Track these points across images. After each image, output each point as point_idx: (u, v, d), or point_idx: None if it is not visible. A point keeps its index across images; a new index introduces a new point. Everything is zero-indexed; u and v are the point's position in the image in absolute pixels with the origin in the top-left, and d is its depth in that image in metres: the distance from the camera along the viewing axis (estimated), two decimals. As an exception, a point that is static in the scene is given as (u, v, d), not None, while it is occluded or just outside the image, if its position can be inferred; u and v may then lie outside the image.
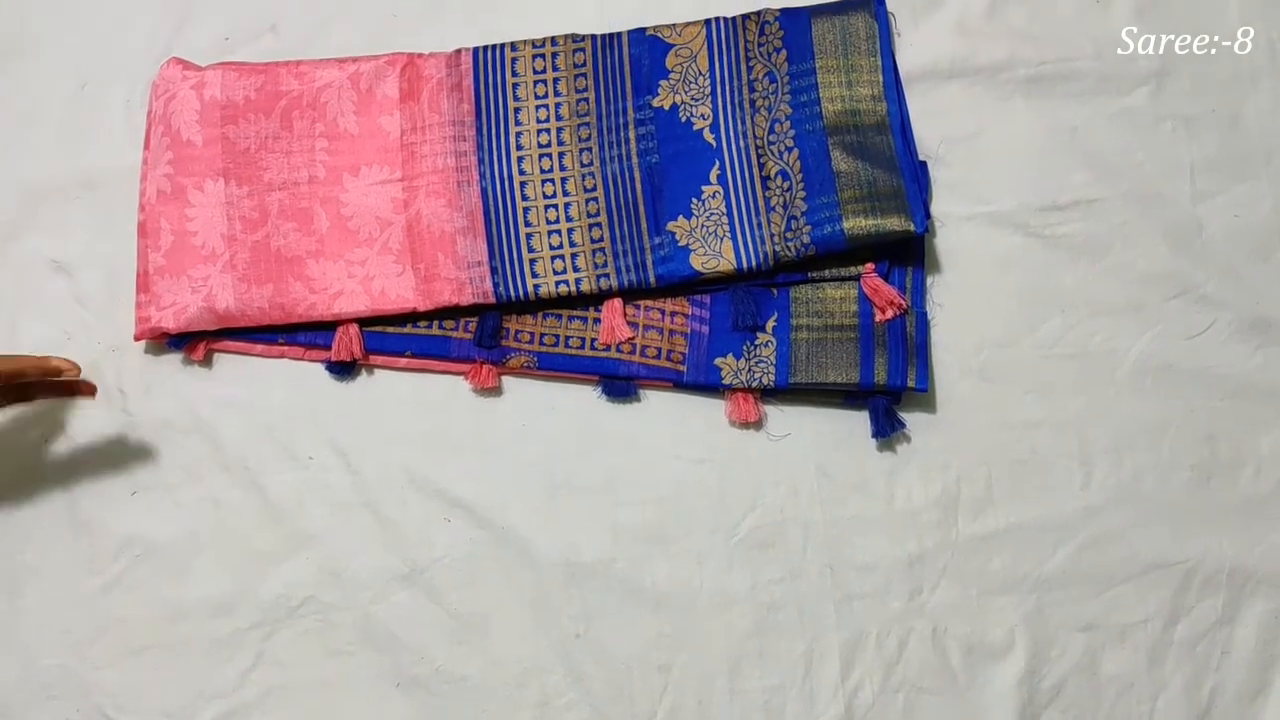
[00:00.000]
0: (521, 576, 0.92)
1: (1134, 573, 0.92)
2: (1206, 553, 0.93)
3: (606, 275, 0.93)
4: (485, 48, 0.97)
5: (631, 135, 0.95)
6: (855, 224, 0.89)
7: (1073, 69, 1.01)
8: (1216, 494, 0.94)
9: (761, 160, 0.93)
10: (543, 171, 0.95)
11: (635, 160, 0.95)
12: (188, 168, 0.94)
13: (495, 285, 0.92)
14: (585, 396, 0.95)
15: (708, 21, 0.97)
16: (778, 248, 0.91)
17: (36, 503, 0.93)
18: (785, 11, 0.96)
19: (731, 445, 0.94)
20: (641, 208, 0.94)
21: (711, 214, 0.93)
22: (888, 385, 0.90)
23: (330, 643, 0.91)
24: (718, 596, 0.92)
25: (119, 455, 0.93)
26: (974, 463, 0.94)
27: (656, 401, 0.95)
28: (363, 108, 0.96)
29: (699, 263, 0.92)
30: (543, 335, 0.94)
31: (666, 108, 0.95)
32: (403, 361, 0.94)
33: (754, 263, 0.92)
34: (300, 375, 0.95)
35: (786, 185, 0.92)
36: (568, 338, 0.94)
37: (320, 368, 0.95)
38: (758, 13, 0.97)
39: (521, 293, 0.92)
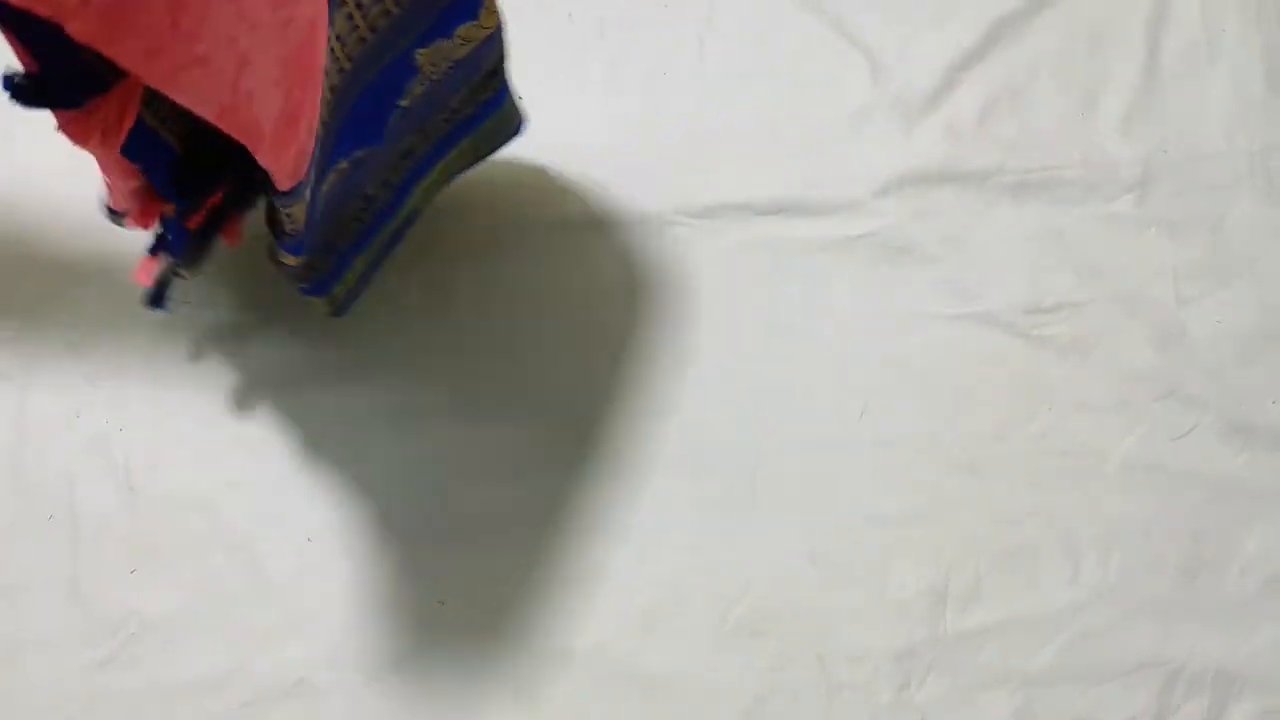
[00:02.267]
0: (512, 662, 0.93)
1: (1121, 671, 0.93)
2: (1193, 652, 0.93)
3: None
4: None
5: None
6: None
7: (1059, 176, 1.04)
8: (1203, 593, 0.95)
9: None
10: None
11: None
12: None
13: None
14: (580, 482, 0.97)
15: None
16: None
17: (35, 575, 0.93)
18: None
19: (722, 532, 0.95)
20: None
21: None
22: None
23: (321, 725, 0.91)
24: (706, 685, 0.92)
25: (121, 531, 0.94)
26: (963, 555, 0.95)
27: (651, 485, 0.96)
28: None
29: None
30: None
31: None
32: None
33: None
34: (304, 454, 0.97)
35: None
36: None
37: (322, 453, 0.96)
38: None
39: None
